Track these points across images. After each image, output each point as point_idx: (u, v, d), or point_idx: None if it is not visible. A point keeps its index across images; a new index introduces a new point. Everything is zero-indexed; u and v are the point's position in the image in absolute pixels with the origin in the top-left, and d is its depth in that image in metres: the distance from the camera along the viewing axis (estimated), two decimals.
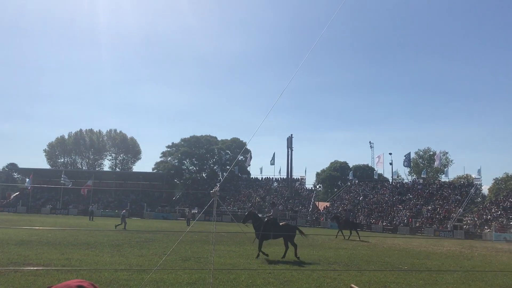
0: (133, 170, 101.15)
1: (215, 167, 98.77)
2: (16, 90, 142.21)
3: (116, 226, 31.87)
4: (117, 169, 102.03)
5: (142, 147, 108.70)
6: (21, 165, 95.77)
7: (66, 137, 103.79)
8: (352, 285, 4.40)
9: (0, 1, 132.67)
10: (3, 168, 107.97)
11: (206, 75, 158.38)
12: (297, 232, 17.13)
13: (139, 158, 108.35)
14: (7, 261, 12.50)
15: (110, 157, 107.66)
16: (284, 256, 16.19)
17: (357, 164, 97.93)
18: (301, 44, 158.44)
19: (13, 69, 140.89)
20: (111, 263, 13.02)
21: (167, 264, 13.08)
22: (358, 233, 31.67)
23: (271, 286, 10.31)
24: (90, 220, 47.06)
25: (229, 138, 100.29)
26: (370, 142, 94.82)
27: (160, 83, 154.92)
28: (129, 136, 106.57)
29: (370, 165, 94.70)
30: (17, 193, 77.55)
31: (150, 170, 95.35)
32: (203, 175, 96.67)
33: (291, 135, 72.13)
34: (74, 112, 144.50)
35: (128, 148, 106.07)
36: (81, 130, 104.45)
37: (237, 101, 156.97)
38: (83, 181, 72.99)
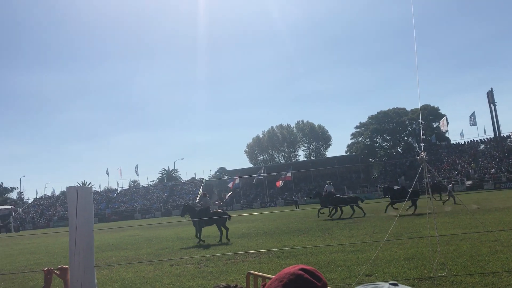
0: (327, 156, 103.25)
1: (409, 139, 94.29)
2: (212, 103, 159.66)
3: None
4: (312, 158, 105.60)
5: (331, 132, 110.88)
6: (228, 167, 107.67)
7: (261, 136, 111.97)
8: None
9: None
10: (215, 173, 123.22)
11: (383, 46, 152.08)
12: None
13: (330, 144, 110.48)
14: (235, 251, 13.96)
15: (303, 147, 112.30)
16: (220, 240, 17.61)
17: None
18: None
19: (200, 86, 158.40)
20: (324, 246, 13.43)
21: (380, 241, 12.89)
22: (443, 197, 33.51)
23: (500, 254, 9.30)
24: (296, 209, 49.59)
25: (419, 106, 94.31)
26: None
27: (334, 66, 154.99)
28: (316, 124, 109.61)
29: None
30: (230, 193, 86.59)
31: (343, 153, 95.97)
32: (398, 149, 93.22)
33: (491, 88, 64.44)
34: (262, 112, 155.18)
35: (318, 136, 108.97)
36: (272, 127, 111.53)
37: (419, 65, 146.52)
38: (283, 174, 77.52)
